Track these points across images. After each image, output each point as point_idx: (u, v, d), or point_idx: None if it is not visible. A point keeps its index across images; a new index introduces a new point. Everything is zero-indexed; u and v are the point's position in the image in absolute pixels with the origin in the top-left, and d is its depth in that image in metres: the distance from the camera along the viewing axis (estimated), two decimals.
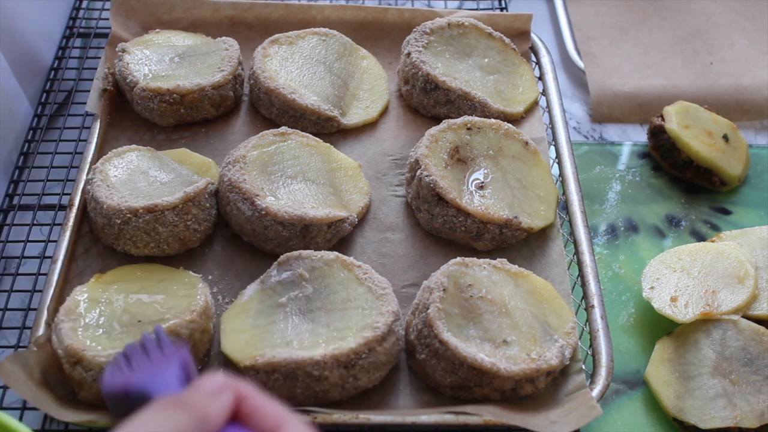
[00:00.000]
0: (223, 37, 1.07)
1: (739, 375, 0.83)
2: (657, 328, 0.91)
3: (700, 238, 1.02)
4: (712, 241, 0.97)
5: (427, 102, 1.04)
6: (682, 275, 0.91)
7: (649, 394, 0.86)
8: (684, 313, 0.87)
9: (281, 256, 0.84)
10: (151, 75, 1.00)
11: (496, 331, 0.78)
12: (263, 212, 0.85)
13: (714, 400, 0.82)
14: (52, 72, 1.12)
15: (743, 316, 0.88)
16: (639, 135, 1.16)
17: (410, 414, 0.75)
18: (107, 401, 0.61)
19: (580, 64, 1.22)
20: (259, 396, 0.50)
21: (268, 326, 0.78)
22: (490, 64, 1.07)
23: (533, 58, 1.13)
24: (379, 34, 1.15)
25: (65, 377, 0.76)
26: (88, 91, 1.03)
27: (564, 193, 0.96)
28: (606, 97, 1.18)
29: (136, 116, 1.03)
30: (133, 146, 0.95)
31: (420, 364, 0.79)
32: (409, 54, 1.05)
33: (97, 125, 1.00)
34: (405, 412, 0.76)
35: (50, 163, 1.00)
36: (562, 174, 0.98)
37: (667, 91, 1.18)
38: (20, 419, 0.78)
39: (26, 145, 1.03)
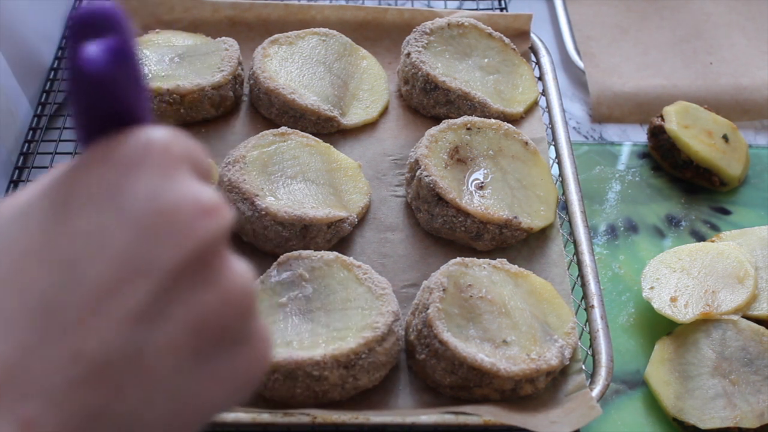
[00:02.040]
0: (223, 37, 1.07)
1: (739, 375, 0.83)
2: (657, 328, 0.91)
3: (700, 238, 1.02)
4: (712, 241, 0.97)
5: (426, 102, 1.04)
6: (682, 275, 0.91)
7: (649, 394, 0.86)
8: (684, 313, 0.87)
9: (281, 256, 0.84)
10: (150, 75, 1.00)
11: (496, 331, 0.78)
12: (263, 212, 0.85)
13: (714, 400, 0.82)
14: (52, 72, 1.12)
15: (743, 316, 0.88)
16: (639, 135, 1.16)
17: (410, 414, 0.75)
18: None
19: (580, 64, 1.22)
20: None
21: (268, 326, 0.78)
22: (490, 64, 1.07)
23: (533, 58, 1.13)
24: (379, 34, 1.15)
25: None
26: None
27: (564, 193, 0.96)
28: (606, 97, 1.18)
29: None
30: None
31: (420, 364, 0.79)
32: (408, 54, 1.05)
33: None
34: (405, 412, 0.76)
35: (50, 163, 1.00)
36: (562, 174, 0.98)
37: (667, 91, 1.18)
38: None
39: (26, 145, 1.03)
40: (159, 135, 0.34)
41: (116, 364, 0.31)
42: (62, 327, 0.30)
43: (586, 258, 0.89)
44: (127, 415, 0.31)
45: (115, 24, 0.33)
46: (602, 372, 0.80)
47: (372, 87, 1.07)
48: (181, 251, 0.32)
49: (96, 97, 0.33)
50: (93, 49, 0.32)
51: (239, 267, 0.35)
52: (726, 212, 1.06)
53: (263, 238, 0.87)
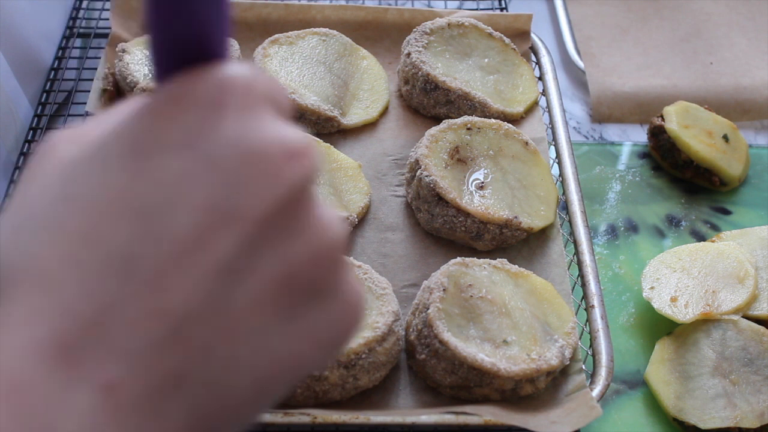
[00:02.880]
0: None
1: (739, 375, 0.83)
2: (657, 328, 0.91)
3: (700, 238, 1.02)
4: (712, 241, 0.97)
5: (427, 102, 1.04)
6: (682, 275, 0.91)
7: (649, 394, 0.86)
8: (684, 313, 0.87)
9: None
10: (151, 75, 1.00)
11: (496, 331, 0.78)
12: None
13: (714, 400, 0.82)
14: (52, 72, 1.12)
15: (743, 316, 0.88)
16: (639, 135, 1.16)
17: (410, 414, 0.75)
18: None
19: (580, 64, 1.22)
20: None
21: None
22: (490, 64, 1.07)
23: (533, 58, 1.13)
24: (379, 34, 1.15)
25: None
26: (88, 91, 1.03)
27: (564, 193, 0.96)
28: (606, 97, 1.18)
29: None
30: None
31: (420, 364, 0.79)
32: (409, 54, 1.05)
33: None
34: (405, 412, 0.76)
35: None
36: (562, 174, 0.98)
37: (667, 91, 1.18)
38: None
39: (26, 145, 1.03)
40: (240, 72, 0.31)
41: (201, 322, 0.28)
42: (143, 282, 0.28)
43: (587, 258, 0.89)
44: (213, 377, 0.29)
45: None
46: (602, 372, 0.80)
47: (372, 87, 1.07)
48: (269, 198, 0.29)
49: (181, 10, 0.30)
50: None
51: (328, 214, 0.32)
52: (726, 212, 1.06)
53: None
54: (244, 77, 0.31)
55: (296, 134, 0.31)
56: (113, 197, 0.29)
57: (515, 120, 1.04)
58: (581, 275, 0.88)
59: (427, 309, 0.78)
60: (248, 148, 0.29)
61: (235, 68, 0.31)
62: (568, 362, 0.79)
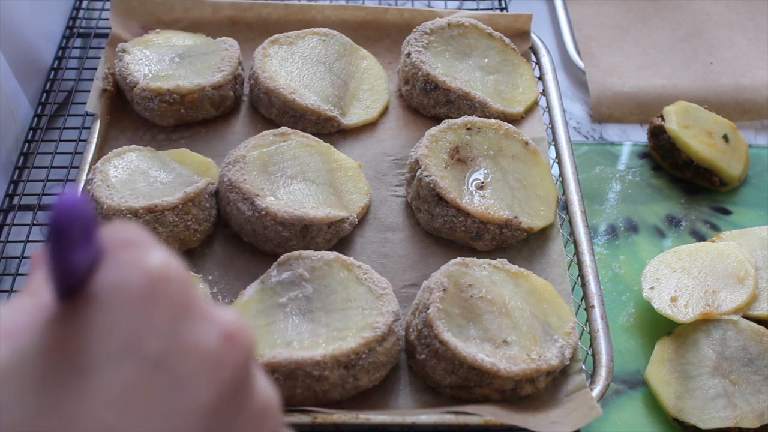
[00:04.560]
0: (223, 37, 1.07)
1: (739, 375, 0.83)
2: (657, 328, 0.91)
3: (700, 238, 1.02)
4: (712, 241, 0.97)
5: (427, 102, 1.04)
6: (682, 275, 0.91)
7: (649, 394, 0.86)
8: (684, 313, 0.87)
9: (281, 256, 0.84)
10: (151, 75, 1.00)
11: (496, 331, 0.78)
12: (263, 212, 0.85)
13: (714, 400, 0.82)
14: (52, 72, 1.12)
15: (743, 316, 0.88)
16: (639, 135, 1.16)
17: (410, 414, 0.75)
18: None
19: (580, 64, 1.22)
20: None
21: (268, 326, 0.78)
22: (490, 64, 1.07)
23: (533, 58, 1.13)
24: (379, 34, 1.15)
25: None
26: (88, 91, 1.03)
27: (564, 193, 0.96)
28: (606, 97, 1.18)
29: (136, 116, 1.03)
30: (133, 146, 0.95)
31: (420, 364, 0.79)
32: (409, 54, 1.05)
33: (97, 125, 1.00)
34: (405, 412, 0.76)
35: (50, 163, 1.00)
36: (562, 174, 0.98)
37: (667, 91, 1.18)
38: None
39: (26, 145, 1.03)
40: (157, 262, 0.31)
41: None
42: None
43: (587, 258, 0.89)
44: None
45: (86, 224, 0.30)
46: (602, 372, 0.80)
47: (372, 87, 1.07)
48: (215, 387, 0.31)
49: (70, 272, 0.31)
50: (77, 254, 0.30)
51: (263, 384, 0.34)
52: (726, 212, 1.06)
53: (263, 238, 0.87)
54: (166, 267, 0.31)
55: (229, 315, 0.32)
56: (67, 427, 0.28)
57: (515, 120, 1.04)
58: (581, 275, 0.88)
59: (427, 309, 0.78)
60: (186, 344, 0.30)
61: (153, 256, 0.31)
62: (568, 362, 0.79)
